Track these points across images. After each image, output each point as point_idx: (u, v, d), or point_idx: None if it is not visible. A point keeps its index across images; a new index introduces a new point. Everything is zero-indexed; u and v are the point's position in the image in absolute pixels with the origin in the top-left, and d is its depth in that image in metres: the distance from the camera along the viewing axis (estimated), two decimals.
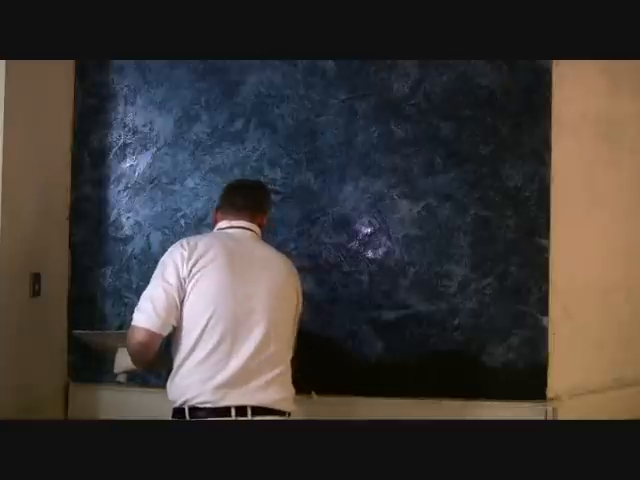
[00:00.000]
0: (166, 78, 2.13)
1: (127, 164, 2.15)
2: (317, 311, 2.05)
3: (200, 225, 2.11)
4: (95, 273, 2.15)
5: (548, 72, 2.05)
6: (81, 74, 2.16)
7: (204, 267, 1.51)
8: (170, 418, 1.51)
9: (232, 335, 1.48)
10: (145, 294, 1.53)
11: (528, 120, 2.06)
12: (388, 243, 2.07)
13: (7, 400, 1.82)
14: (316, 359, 1.97)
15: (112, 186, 2.15)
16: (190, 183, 2.12)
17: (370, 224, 2.07)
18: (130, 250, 2.14)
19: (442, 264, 2.06)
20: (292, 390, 1.56)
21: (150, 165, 2.14)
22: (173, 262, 1.51)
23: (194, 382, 1.48)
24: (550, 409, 2.01)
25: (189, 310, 1.50)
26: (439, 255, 2.06)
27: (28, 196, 1.91)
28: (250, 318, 1.50)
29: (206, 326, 1.48)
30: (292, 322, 1.61)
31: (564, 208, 2.06)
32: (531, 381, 2.02)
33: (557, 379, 2.04)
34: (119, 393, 2.11)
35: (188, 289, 1.50)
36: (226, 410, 1.45)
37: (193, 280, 1.50)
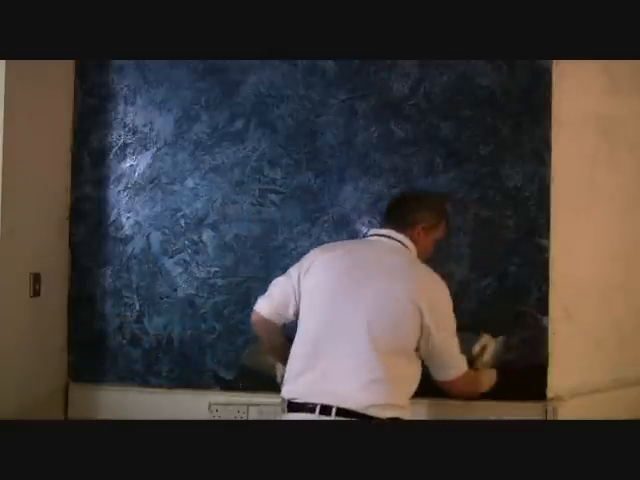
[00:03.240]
0: (166, 78, 2.13)
1: (127, 164, 2.15)
2: None
3: (200, 225, 2.11)
4: (95, 273, 2.15)
5: (548, 72, 2.04)
6: (81, 74, 2.15)
7: (315, 267, 1.60)
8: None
9: (326, 335, 1.51)
10: (272, 283, 1.70)
11: (528, 120, 2.06)
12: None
13: (7, 400, 1.82)
14: None
15: (112, 186, 2.15)
16: (190, 183, 2.12)
17: (370, 224, 2.07)
18: (130, 250, 2.14)
19: (442, 264, 2.05)
20: (391, 399, 1.47)
21: (150, 165, 2.14)
22: (304, 260, 1.66)
23: (290, 377, 1.54)
24: (550, 409, 2.01)
25: (301, 307, 1.60)
26: (439, 255, 2.05)
27: (28, 196, 1.91)
28: (347, 322, 1.50)
29: (305, 323, 1.56)
30: (404, 337, 1.52)
31: (564, 208, 2.06)
32: (531, 381, 2.02)
33: (557, 379, 2.03)
34: (119, 393, 2.11)
35: (302, 286, 1.60)
36: (312, 408, 1.45)
37: (305, 277, 1.60)
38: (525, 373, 2.01)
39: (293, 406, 1.49)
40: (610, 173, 2.20)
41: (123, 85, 2.15)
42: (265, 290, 1.87)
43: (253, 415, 2.04)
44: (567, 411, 2.01)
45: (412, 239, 1.66)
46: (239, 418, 2.03)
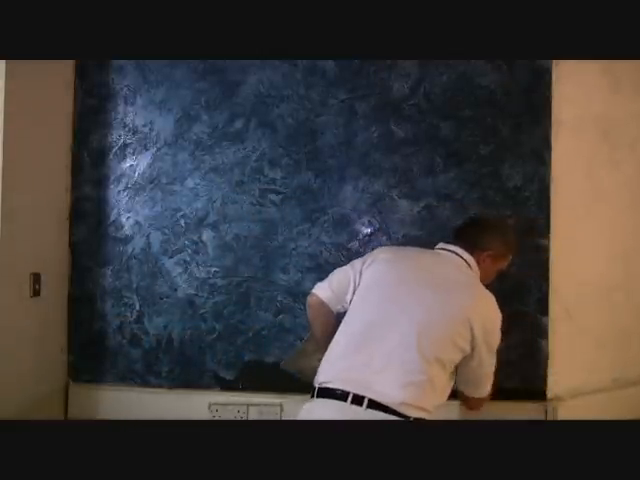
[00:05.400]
0: (166, 78, 2.13)
1: (127, 164, 2.15)
2: None
3: (200, 225, 2.11)
4: (95, 273, 2.15)
5: (548, 72, 2.05)
6: (81, 74, 2.15)
7: (378, 263, 1.65)
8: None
9: (374, 331, 1.52)
10: (334, 271, 1.76)
11: (528, 120, 2.06)
12: (388, 243, 2.07)
13: (7, 400, 1.82)
14: None
15: (112, 186, 2.15)
16: (190, 183, 2.12)
17: (370, 224, 2.07)
18: (130, 250, 2.14)
19: None
20: (423, 403, 1.47)
21: (150, 165, 2.14)
22: (368, 255, 1.72)
23: (325, 362, 1.56)
24: (550, 409, 2.01)
25: (354, 298, 1.64)
26: None
27: (28, 196, 1.91)
28: (397, 323, 1.52)
29: (355, 314, 1.60)
30: (450, 350, 1.53)
31: (564, 208, 2.06)
32: (531, 381, 2.02)
33: (557, 379, 2.04)
34: (119, 393, 2.11)
35: (362, 277, 1.65)
36: (344, 395, 1.45)
37: (367, 270, 1.65)
38: (525, 373, 2.02)
39: (322, 391, 1.50)
40: (610, 173, 2.20)
41: (123, 85, 2.15)
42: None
43: (253, 415, 2.04)
44: (567, 411, 2.01)
45: (477, 262, 1.69)
46: (239, 418, 2.03)
